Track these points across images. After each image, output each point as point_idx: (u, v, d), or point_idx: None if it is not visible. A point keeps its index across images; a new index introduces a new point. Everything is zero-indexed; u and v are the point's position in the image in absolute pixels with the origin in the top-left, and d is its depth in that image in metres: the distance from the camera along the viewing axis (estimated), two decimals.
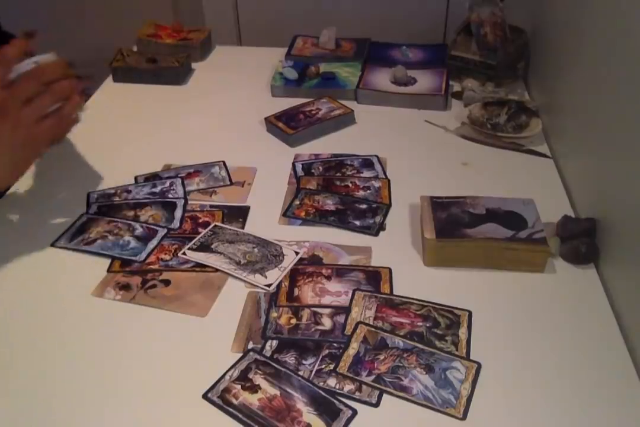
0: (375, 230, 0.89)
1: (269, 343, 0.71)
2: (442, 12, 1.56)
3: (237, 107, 1.21)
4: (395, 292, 0.78)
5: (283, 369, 0.68)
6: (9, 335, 0.73)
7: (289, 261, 0.83)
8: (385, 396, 0.66)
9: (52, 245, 0.86)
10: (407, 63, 1.28)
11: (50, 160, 1.05)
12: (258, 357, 0.69)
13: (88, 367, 0.69)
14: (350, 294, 0.77)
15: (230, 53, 1.44)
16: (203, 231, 0.87)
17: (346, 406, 0.64)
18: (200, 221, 0.90)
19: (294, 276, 0.81)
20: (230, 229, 0.88)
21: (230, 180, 0.99)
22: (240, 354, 0.70)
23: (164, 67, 1.29)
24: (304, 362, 0.69)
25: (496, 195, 0.87)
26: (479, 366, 0.68)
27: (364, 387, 0.66)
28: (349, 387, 0.66)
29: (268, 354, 0.70)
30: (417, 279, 0.81)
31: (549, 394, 0.66)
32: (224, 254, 0.83)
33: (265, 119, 1.13)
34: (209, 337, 0.72)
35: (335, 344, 0.71)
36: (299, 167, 1.02)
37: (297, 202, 0.94)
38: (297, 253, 0.84)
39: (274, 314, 0.75)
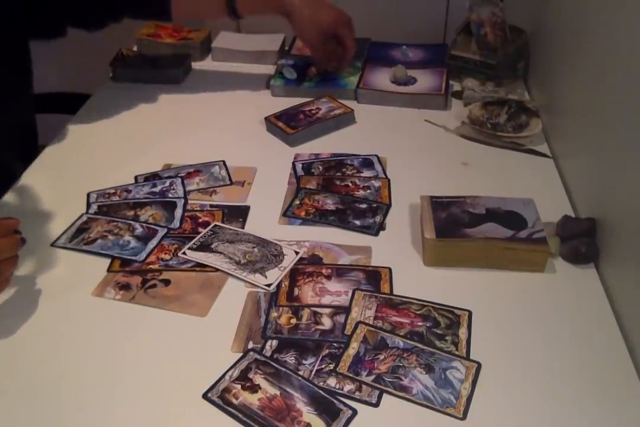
0: (375, 230, 0.89)
1: (269, 343, 0.71)
2: (442, 12, 1.56)
3: (237, 107, 1.21)
4: (395, 292, 0.78)
5: (283, 369, 0.68)
6: (9, 335, 0.73)
7: (289, 260, 0.83)
8: (385, 395, 0.66)
9: (52, 245, 0.86)
10: (407, 63, 1.28)
11: (50, 160, 1.06)
12: (258, 357, 0.69)
13: (88, 367, 0.69)
14: (350, 294, 0.77)
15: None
16: (203, 231, 0.87)
17: (346, 405, 0.64)
18: (200, 220, 0.90)
19: (294, 275, 0.80)
20: (230, 229, 0.88)
21: (230, 180, 0.99)
22: (240, 354, 0.70)
23: (164, 67, 1.29)
24: (304, 362, 0.69)
25: (496, 195, 0.87)
26: (479, 365, 0.68)
27: (364, 387, 0.66)
28: (349, 387, 0.66)
29: (268, 354, 0.70)
30: (417, 279, 0.81)
31: (549, 394, 0.66)
32: (224, 254, 0.83)
33: (265, 118, 1.13)
34: (209, 337, 0.72)
35: (335, 344, 0.71)
36: (299, 166, 1.02)
37: (297, 201, 0.94)
38: (297, 253, 0.84)
39: (274, 314, 0.75)
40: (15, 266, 0.73)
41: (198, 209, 0.93)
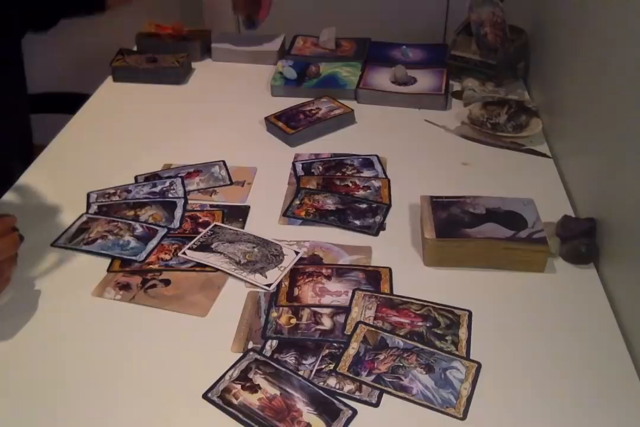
0: (375, 230, 0.89)
1: (269, 343, 0.71)
2: (442, 12, 1.56)
3: (237, 107, 1.21)
4: (395, 292, 0.78)
5: (283, 369, 0.68)
6: (10, 335, 0.73)
7: (289, 260, 0.83)
8: (385, 396, 0.66)
9: (52, 245, 0.86)
10: (407, 63, 1.28)
11: (50, 160, 1.06)
12: (258, 357, 0.69)
13: (88, 367, 0.69)
14: (350, 294, 0.77)
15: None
16: (203, 231, 0.87)
17: (346, 405, 0.64)
18: (200, 220, 0.90)
19: (294, 275, 0.80)
20: (230, 229, 0.88)
21: (230, 180, 0.99)
22: (240, 354, 0.70)
23: (164, 67, 1.29)
24: (304, 362, 0.69)
25: (496, 195, 0.87)
26: (479, 365, 0.68)
27: (364, 387, 0.66)
28: (349, 387, 0.66)
29: (268, 354, 0.70)
30: (417, 279, 0.81)
31: (548, 394, 0.66)
32: (224, 254, 0.83)
33: (265, 118, 1.13)
34: (209, 337, 0.72)
35: (335, 344, 0.71)
36: (299, 166, 1.02)
37: (297, 201, 0.94)
38: (297, 253, 0.84)
39: (274, 314, 0.75)
40: (15, 264, 0.73)
41: (198, 209, 0.93)
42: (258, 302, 0.77)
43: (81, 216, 0.91)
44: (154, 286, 0.79)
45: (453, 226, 0.82)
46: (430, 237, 0.81)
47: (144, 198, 0.95)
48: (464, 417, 0.63)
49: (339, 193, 0.96)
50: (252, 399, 0.64)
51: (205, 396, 0.65)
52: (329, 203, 0.93)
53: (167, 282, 0.80)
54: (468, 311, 0.75)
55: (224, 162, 1.03)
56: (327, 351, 0.70)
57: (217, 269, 0.81)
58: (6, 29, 1.03)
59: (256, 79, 1.29)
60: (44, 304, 0.77)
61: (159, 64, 1.29)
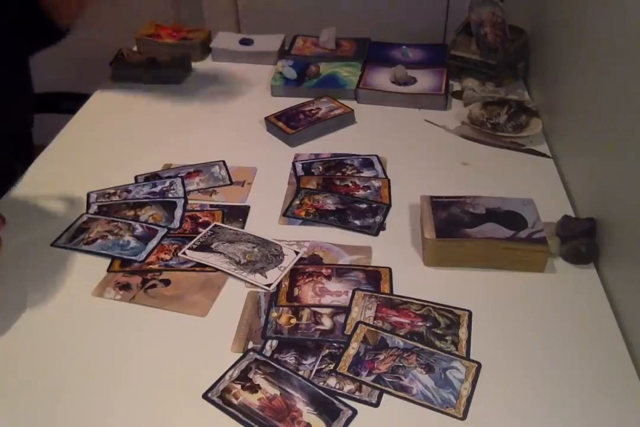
0: (375, 230, 0.89)
1: (269, 343, 0.71)
2: (442, 12, 1.56)
3: (237, 107, 1.21)
4: (395, 292, 0.78)
5: (283, 369, 0.68)
6: (9, 335, 0.73)
7: (289, 260, 0.83)
8: (385, 395, 0.66)
9: (52, 245, 0.86)
10: (407, 63, 1.28)
11: (50, 160, 1.06)
12: (258, 357, 0.69)
13: (88, 367, 0.69)
14: (350, 294, 0.77)
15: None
16: (203, 231, 0.87)
17: (346, 405, 0.64)
18: (200, 220, 0.90)
19: (294, 275, 0.80)
20: (230, 229, 0.88)
21: (230, 180, 0.99)
22: (240, 354, 0.70)
23: (164, 67, 1.29)
24: (304, 362, 0.69)
25: (496, 195, 0.87)
26: (479, 365, 0.68)
27: (364, 387, 0.66)
28: (349, 387, 0.66)
29: (268, 354, 0.70)
30: (417, 279, 0.81)
31: (548, 394, 0.66)
32: (224, 254, 0.83)
33: (265, 118, 1.13)
34: (209, 337, 0.72)
35: (335, 344, 0.71)
36: (299, 166, 1.02)
37: (297, 201, 0.94)
38: (297, 253, 0.84)
39: (274, 314, 0.75)
40: (0, 246, 0.72)
41: (198, 209, 0.93)
42: (258, 302, 0.77)
43: (81, 215, 0.91)
44: (154, 286, 0.79)
45: (453, 226, 0.82)
46: (430, 237, 0.81)
47: (144, 198, 0.95)
48: (464, 417, 0.63)
49: (339, 193, 0.96)
50: (252, 399, 0.64)
51: (205, 396, 0.65)
52: (329, 203, 0.93)
53: (167, 282, 0.80)
54: (468, 311, 0.75)
55: (224, 162, 1.03)
56: (327, 351, 0.70)
57: (217, 269, 0.81)
58: (8, 30, 1.03)
59: (256, 79, 1.29)
60: (44, 304, 0.77)
61: (159, 64, 1.29)
